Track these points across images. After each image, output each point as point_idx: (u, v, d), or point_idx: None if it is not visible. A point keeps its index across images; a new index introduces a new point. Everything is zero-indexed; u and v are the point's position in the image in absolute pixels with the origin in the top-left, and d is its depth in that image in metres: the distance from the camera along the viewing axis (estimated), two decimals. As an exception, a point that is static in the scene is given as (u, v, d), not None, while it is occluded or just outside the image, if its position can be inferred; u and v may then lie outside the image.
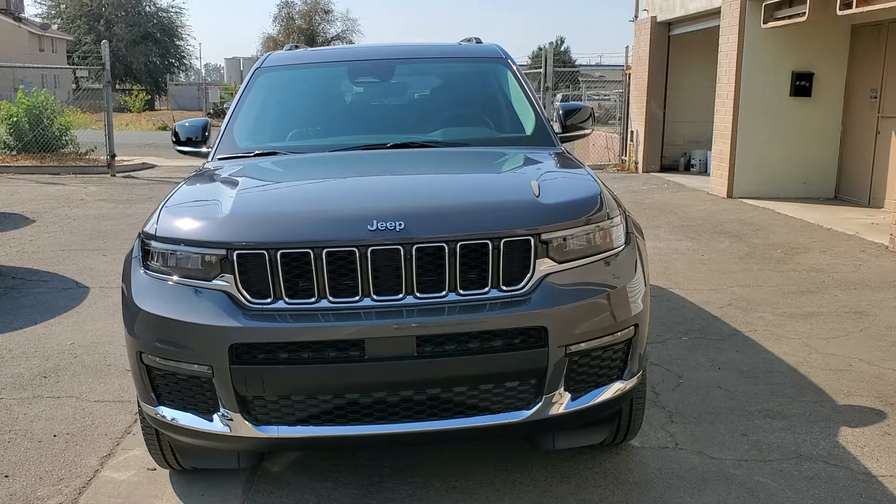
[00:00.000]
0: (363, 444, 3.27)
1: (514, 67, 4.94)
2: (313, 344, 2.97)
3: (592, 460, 3.78)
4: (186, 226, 3.19)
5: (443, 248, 2.99)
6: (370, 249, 2.97)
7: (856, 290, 6.82)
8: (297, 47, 5.56)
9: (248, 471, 3.70)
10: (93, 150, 17.25)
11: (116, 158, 15.82)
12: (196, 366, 3.03)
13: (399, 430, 3.06)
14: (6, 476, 3.72)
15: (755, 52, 11.85)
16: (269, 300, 3.00)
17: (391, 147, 4.24)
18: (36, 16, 64.01)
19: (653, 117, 15.79)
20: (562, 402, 3.14)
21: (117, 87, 58.34)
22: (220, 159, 4.29)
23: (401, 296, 3.01)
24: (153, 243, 3.21)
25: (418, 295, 3.01)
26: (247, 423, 3.05)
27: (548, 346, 3.03)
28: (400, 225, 2.99)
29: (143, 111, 48.71)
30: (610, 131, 19.19)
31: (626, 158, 16.84)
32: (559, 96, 42.05)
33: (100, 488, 3.63)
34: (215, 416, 3.09)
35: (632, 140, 16.59)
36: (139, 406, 3.37)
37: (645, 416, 4.22)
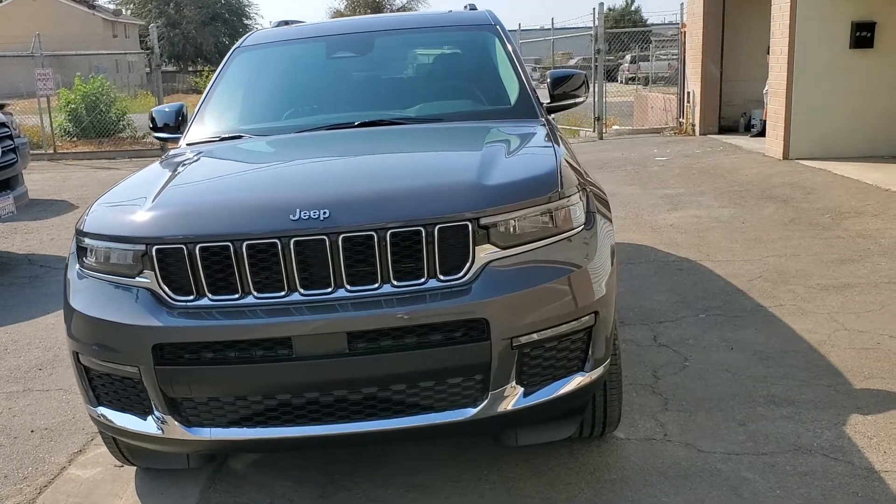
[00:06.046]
0: (299, 446, 3.11)
1: (503, 34, 4.65)
2: (238, 343, 2.81)
3: (570, 455, 3.54)
4: (110, 221, 3.08)
5: (372, 236, 2.78)
6: (293, 241, 2.78)
7: (902, 258, 6.32)
8: (286, 23, 5.38)
9: (210, 469, 3.59)
10: (150, 134, 17.52)
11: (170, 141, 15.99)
12: (126, 367, 2.92)
13: (335, 432, 2.88)
14: (-26, 474, 3.70)
15: (810, 3, 11.13)
16: (192, 297, 2.86)
17: (359, 126, 4.03)
18: (109, 2, 65.68)
19: (709, 76, 15.10)
20: (513, 398, 2.91)
21: (189, 68, 59.64)
22: (187, 145, 4.17)
23: (330, 289, 2.82)
24: (85, 240, 3.10)
25: (349, 288, 2.82)
26: (178, 424, 2.92)
27: (490, 339, 2.80)
28: (324, 213, 2.79)
29: (214, 91, 49.45)
30: (668, 92, 18.49)
31: (684, 121, 16.20)
32: (628, 57, 40.95)
33: (61, 487, 3.57)
34: (150, 418, 2.98)
35: (688, 101, 15.93)
36: None
37: (638, 404, 4.00)
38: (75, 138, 17.34)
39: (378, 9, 63.80)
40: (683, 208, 8.76)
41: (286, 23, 5.42)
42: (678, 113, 16.68)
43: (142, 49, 54.84)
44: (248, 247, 2.79)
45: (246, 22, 67.08)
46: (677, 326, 5.07)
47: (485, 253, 2.84)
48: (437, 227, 2.80)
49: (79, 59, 29.64)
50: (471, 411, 2.88)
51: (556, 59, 42.81)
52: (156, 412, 2.94)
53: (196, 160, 3.71)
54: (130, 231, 2.94)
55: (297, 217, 2.79)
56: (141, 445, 3.16)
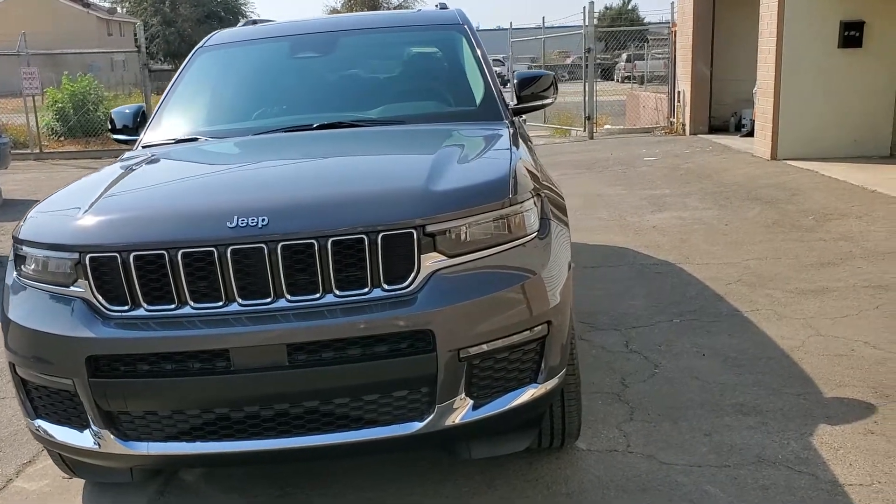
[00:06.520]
0: (239, 461, 3.01)
1: (471, 34, 4.55)
2: (174, 355, 2.71)
3: (528, 466, 3.44)
4: (46, 228, 2.98)
5: (312, 244, 2.69)
6: (230, 249, 2.68)
7: (883, 261, 6.22)
8: (254, 23, 5.28)
9: (159, 481, 3.50)
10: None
11: (157, 140, 15.90)
12: (61, 379, 2.82)
13: (276, 447, 2.78)
14: (-82, 487, 3.61)
15: (798, 2, 11.03)
16: (127, 307, 2.76)
17: (318, 128, 3.94)
18: (104, 0, 65.54)
19: (699, 76, 15.00)
20: (461, 412, 2.82)
21: (185, 67, 59.41)
22: (143, 147, 4.08)
23: (270, 299, 2.72)
24: (21, 248, 3.01)
25: (289, 298, 2.72)
26: (114, 438, 2.82)
27: (436, 351, 2.71)
28: (263, 221, 2.69)
29: (209, 90, 49.24)
30: (660, 92, 18.39)
31: (674, 120, 16.11)
32: (624, 56, 40.81)
33: (6, 500, 3.48)
34: (86, 432, 2.88)
35: (679, 101, 15.84)
36: None
37: (603, 413, 3.91)
38: (62, 137, 17.24)
39: (375, 7, 63.63)
40: (667, 210, 8.67)
41: (254, 22, 5.32)
42: (669, 112, 16.59)
43: (136, 47, 54.71)
44: (184, 255, 2.69)
45: (242, 20, 66.94)
46: (650, 332, 4.98)
47: (431, 261, 2.75)
48: (381, 234, 2.70)
49: (74, 58, 29.41)
50: (417, 425, 2.79)
51: (552, 58, 42.73)
52: (92, 426, 2.84)
53: (143, 164, 3.61)
54: (64, 239, 2.84)
55: (234, 224, 2.69)
56: (79, 459, 3.06)
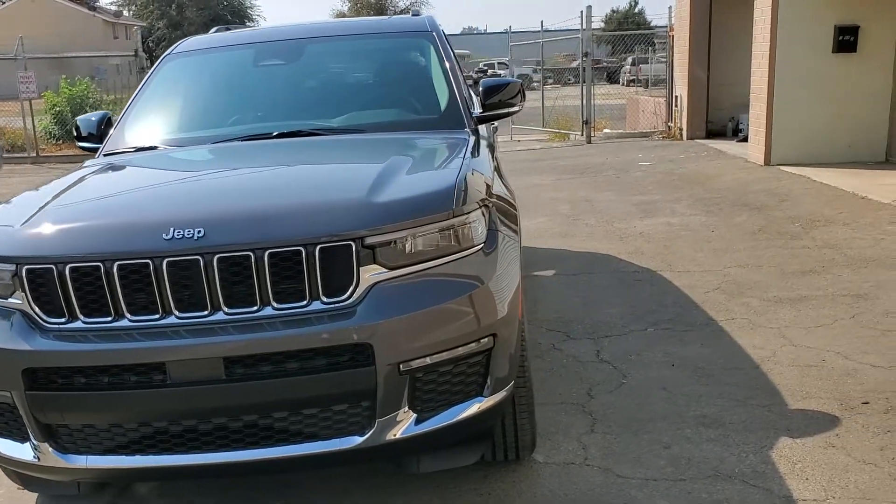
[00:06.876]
0: (179, 475, 2.99)
1: (439, 41, 4.52)
2: (110, 367, 2.68)
3: (483, 480, 3.40)
4: None
5: (249, 257, 2.66)
6: (166, 261, 2.66)
7: (865, 269, 6.16)
8: (227, 29, 5.26)
9: (111, 493, 3.47)
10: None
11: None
12: None
13: (216, 461, 2.76)
14: None
15: (793, 6, 10.95)
16: (64, 319, 2.73)
17: (277, 136, 3.91)
18: (110, 4, 65.86)
19: (696, 80, 14.94)
20: (403, 426, 2.78)
21: (190, 70, 59.57)
22: (104, 156, 4.06)
23: (207, 312, 2.69)
24: None
25: (227, 310, 2.69)
26: (52, 451, 2.80)
27: (375, 365, 2.67)
28: (199, 232, 2.67)
29: (214, 93, 49.31)
30: (658, 96, 18.32)
31: (672, 125, 16.04)
32: (629, 59, 40.72)
33: (-43, 511, 3.46)
34: (27, 444, 2.86)
35: (676, 105, 15.78)
36: None
37: (565, 424, 3.87)
38: (60, 141, 17.28)
39: (381, 10, 63.76)
40: (656, 216, 8.61)
41: (226, 28, 5.30)
42: (667, 117, 16.53)
43: (144, 51, 54.93)
44: (120, 268, 2.67)
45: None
46: (623, 341, 4.93)
47: (370, 274, 2.72)
48: (319, 246, 2.67)
49: (81, 61, 29.40)
50: (357, 439, 2.76)
51: (558, 61, 42.57)
52: (31, 439, 2.82)
53: (95, 173, 3.59)
54: (2, 250, 2.82)
55: (170, 236, 2.66)
56: (21, 472, 3.03)
